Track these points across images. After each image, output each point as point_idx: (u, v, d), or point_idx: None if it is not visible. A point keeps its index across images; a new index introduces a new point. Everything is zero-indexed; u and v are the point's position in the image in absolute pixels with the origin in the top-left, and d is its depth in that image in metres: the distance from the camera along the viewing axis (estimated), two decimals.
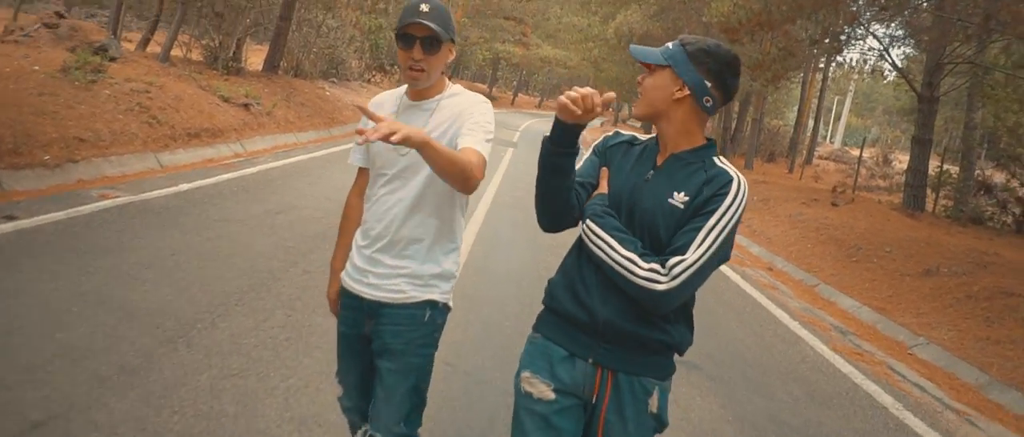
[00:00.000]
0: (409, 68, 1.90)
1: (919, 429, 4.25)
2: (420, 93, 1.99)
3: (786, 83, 17.91)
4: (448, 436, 3.08)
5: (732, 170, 1.65)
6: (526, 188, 11.27)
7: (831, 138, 54.16)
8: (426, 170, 1.89)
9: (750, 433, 3.68)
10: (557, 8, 42.54)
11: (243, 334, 3.69)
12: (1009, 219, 13.51)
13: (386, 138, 1.45)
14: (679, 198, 1.60)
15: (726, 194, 1.58)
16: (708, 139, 1.71)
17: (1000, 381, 5.35)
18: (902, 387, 4.99)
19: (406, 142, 1.50)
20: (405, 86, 2.04)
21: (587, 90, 1.53)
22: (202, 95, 10.23)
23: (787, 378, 4.66)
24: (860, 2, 10.25)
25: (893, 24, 11.81)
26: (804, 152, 25.24)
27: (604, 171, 1.76)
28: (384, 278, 1.95)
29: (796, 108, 27.87)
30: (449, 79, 2.09)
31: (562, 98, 1.53)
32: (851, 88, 54.67)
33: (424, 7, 1.85)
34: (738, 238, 10.79)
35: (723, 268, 8.16)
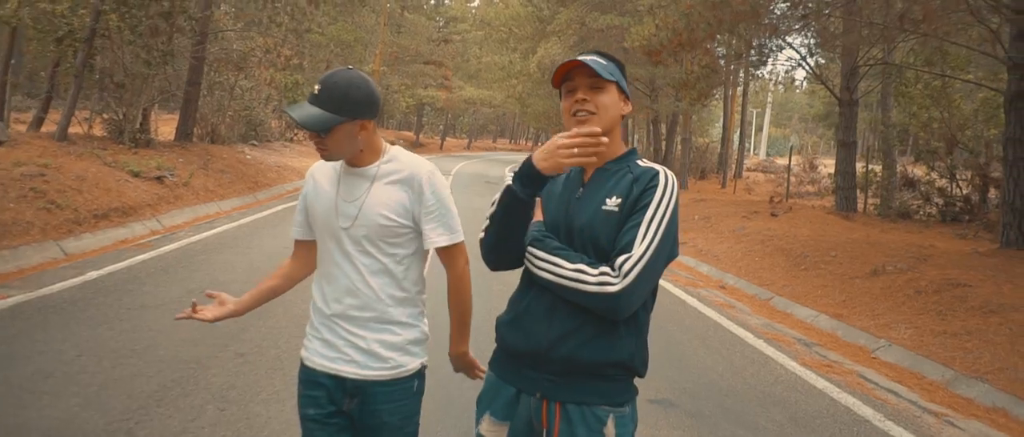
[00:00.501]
0: (315, 146, 1.87)
1: None
2: (355, 160, 1.93)
3: (708, 101, 18.31)
4: None
5: (656, 166, 1.68)
6: (467, 234, 10.86)
7: (754, 150, 56.20)
8: (380, 233, 1.89)
9: None
10: (475, 48, 42.90)
11: None
12: (933, 210, 14.03)
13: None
14: (612, 202, 1.62)
15: (656, 187, 1.60)
16: (629, 147, 1.76)
17: (966, 374, 5.29)
18: (877, 395, 4.85)
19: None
20: None
21: (586, 130, 1.55)
22: (108, 172, 9.53)
23: (766, 403, 4.43)
24: (777, 13, 10.54)
25: (808, 33, 12.21)
26: (733, 166, 25.91)
27: (537, 200, 1.72)
28: (368, 356, 1.88)
29: (718, 125, 28.70)
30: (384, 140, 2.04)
31: (562, 150, 1.55)
32: (769, 100, 57.10)
33: (317, 87, 1.81)
34: (686, 259, 10.74)
35: (678, 292, 8.02)
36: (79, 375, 3.83)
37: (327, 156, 1.87)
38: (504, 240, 1.67)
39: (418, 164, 1.94)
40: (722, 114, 27.55)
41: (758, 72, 23.64)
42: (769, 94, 56.00)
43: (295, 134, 23.71)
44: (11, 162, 8.02)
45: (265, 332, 4.85)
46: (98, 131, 12.61)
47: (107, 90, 11.85)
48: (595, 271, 1.54)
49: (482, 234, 1.73)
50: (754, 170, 31.64)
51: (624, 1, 19.88)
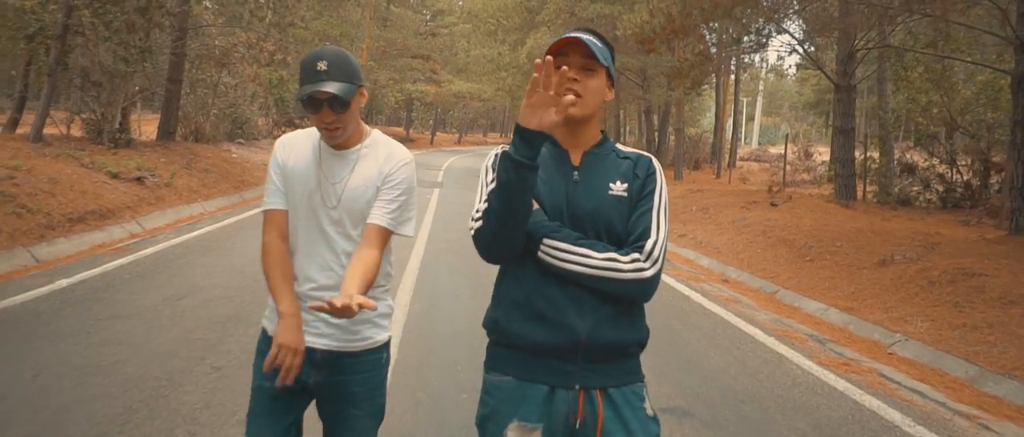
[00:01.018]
0: (325, 129, 1.85)
1: None
2: (340, 142, 1.92)
3: (701, 89, 18.00)
4: None
5: (642, 152, 1.77)
6: (459, 229, 10.60)
7: (746, 139, 56.05)
8: (362, 213, 1.90)
9: None
10: (464, 42, 42.43)
11: None
12: (934, 197, 13.80)
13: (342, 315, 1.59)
14: (619, 188, 1.65)
15: (655, 173, 1.69)
16: (602, 132, 1.77)
17: (992, 371, 5.01)
18: (902, 396, 4.55)
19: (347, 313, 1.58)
20: (317, 130, 1.96)
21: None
22: (85, 174, 9.12)
23: (786, 409, 4.13)
24: None
25: (804, 16, 11.89)
26: (727, 156, 25.63)
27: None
28: (340, 328, 1.89)
29: (709, 115, 28.45)
30: (364, 123, 2.04)
31: (536, 97, 1.48)
32: (760, 88, 56.92)
33: (321, 65, 1.78)
34: (686, 251, 10.42)
35: (680, 287, 7.71)
36: (35, 398, 3.46)
37: (340, 134, 1.86)
38: (507, 223, 1.56)
39: (399, 149, 1.96)
40: (714, 103, 27.25)
41: (752, 59, 23.35)
42: (760, 82, 55.82)
43: (281, 131, 23.25)
44: None
45: (246, 342, 4.51)
46: (76, 132, 12.17)
47: (84, 89, 11.40)
48: (627, 258, 1.57)
49: (477, 225, 1.61)
50: (747, 159, 31.42)
51: None
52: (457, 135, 58.35)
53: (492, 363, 1.71)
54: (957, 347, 5.50)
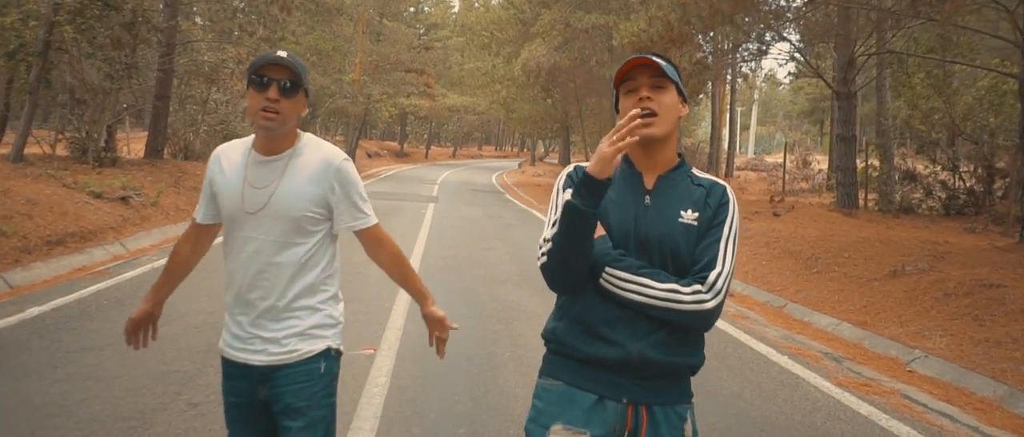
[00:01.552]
0: (262, 110, 1.81)
1: None
2: (271, 146, 1.90)
3: (699, 99, 17.79)
4: None
5: (719, 180, 1.73)
6: (455, 245, 10.29)
7: (742, 148, 55.97)
8: (292, 220, 1.88)
9: None
10: (457, 55, 42.31)
11: None
12: (936, 204, 13.57)
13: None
14: (689, 216, 1.64)
15: (728, 203, 1.67)
16: (679, 155, 1.76)
17: (1022, 390, 4.72)
18: (930, 421, 4.26)
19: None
20: (251, 138, 1.96)
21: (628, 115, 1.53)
22: (66, 194, 8.82)
23: None
24: (781, 2, 10.00)
25: (802, 23, 11.68)
26: (724, 165, 25.42)
27: None
28: (271, 343, 1.90)
29: (704, 124, 28.29)
30: (305, 132, 2.03)
31: (605, 148, 1.50)
32: (756, 97, 56.94)
33: (281, 53, 1.83)
34: None
35: None
36: None
37: (277, 122, 1.83)
38: (572, 261, 1.60)
39: (331, 152, 1.94)
40: (709, 113, 27.06)
41: (750, 67, 23.19)
42: (756, 92, 55.84)
43: None
44: None
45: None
46: (61, 151, 11.86)
47: (67, 107, 11.10)
48: (689, 290, 1.57)
49: (542, 259, 1.63)
50: (744, 168, 31.23)
51: None
52: (452, 149, 58.15)
53: (546, 369, 1.75)
54: (981, 364, 5.21)
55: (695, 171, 1.74)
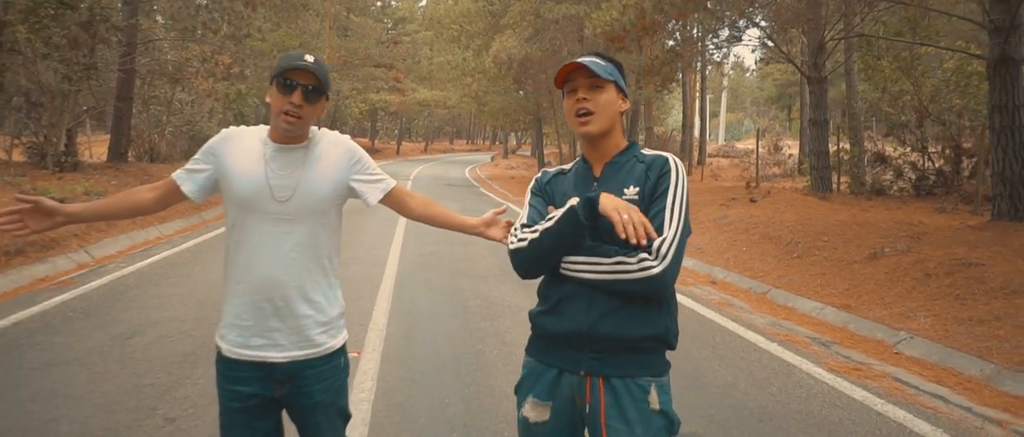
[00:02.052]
0: (285, 113, 1.85)
1: None
2: (290, 137, 1.93)
3: (671, 87, 17.80)
4: None
5: (662, 152, 1.81)
6: (434, 243, 10.11)
7: (712, 135, 56.44)
8: (317, 206, 1.92)
9: None
10: (426, 49, 41.89)
11: None
12: (907, 185, 13.75)
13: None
14: (631, 192, 1.73)
15: (669, 171, 1.74)
16: (630, 140, 1.88)
17: (1008, 367, 4.74)
18: (924, 403, 4.24)
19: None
20: (264, 127, 1.99)
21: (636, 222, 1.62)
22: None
23: (808, 426, 3.77)
24: None
25: (772, 9, 11.70)
26: (696, 153, 25.55)
27: (551, 208, 1.82)
28: (296, 333, 1.89)
29: (674, 113, 28.40)
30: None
31: (620, 220, 1.61)
32: (725, 84, 57.43)
33: (308, 57, 1.87)
34: None
35: None
36: None
37: (298, 126, 1.87)
38: (551, 256, 1.74)
39: (339, 136, 2.02)
40: (680, 101, 27.17)
41: (721, 54, 23.28)
42: (725, 79, 56.33)
43: None
44: None
45: (204, 385, 4.01)
46: (18, 157, 11.41)
47: (23, 110, 10.67)
48: (633, 259, 1.62)
49: (520, 245, 1.77)
50: (716, 155, 31.47)
51: None
52: (423, 144, 57.72)
53: (528, 347, 1.88)
54: (966, 343, 5.23)
55: (644, 151, 1.83)
